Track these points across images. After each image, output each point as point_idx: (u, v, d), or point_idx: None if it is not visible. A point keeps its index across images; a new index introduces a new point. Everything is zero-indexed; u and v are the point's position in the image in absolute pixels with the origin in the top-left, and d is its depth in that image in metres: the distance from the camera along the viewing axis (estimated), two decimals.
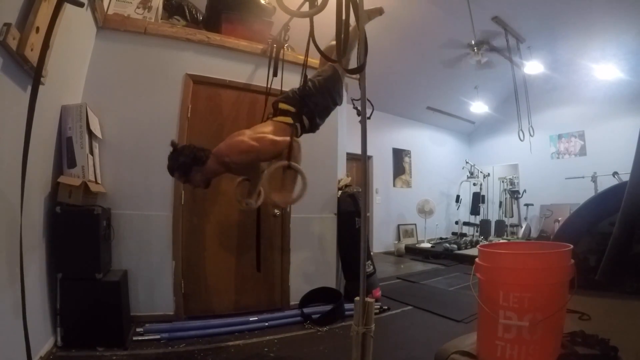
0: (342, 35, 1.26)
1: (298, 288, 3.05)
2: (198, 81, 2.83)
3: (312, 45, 1.55)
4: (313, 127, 2.15)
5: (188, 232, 2.72)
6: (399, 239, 7.41)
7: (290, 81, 2.73)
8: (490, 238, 7.43)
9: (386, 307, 3.10)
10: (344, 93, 3.22)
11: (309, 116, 2.07)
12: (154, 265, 2.59)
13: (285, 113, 2.01)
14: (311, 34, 1.51)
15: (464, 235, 7.76)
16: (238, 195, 2.23)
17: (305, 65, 2.20)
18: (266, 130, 1.93)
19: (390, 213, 7.50)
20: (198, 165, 1.84)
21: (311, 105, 2.07)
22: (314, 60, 2.85)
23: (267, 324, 2.61)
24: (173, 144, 1.89)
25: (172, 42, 2.76)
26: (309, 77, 2.13)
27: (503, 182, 8.05)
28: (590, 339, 1.07)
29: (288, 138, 1.91)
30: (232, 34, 2.98)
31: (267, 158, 1.94)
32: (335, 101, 2.21)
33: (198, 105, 2.83)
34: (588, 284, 1.44)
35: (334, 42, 1.53)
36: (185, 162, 1.82)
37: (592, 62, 5.93)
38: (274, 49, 2.82)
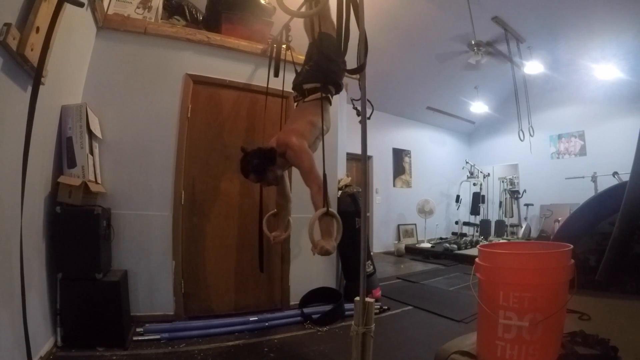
0: (343, 36, 1.26)
1: (298, 288, 3.04)
2: (198, 81, 2.83)
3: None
4: (338, 89, 2.29)
5: (188, 232, 2.72)
6: (399, 239, 7.41)
7: (290, 81, 2.73)
8: (490, 238, 7.43)
9: (386, 307, 3.10)
10: (344, 93, 3.22)
11: (333, 82, 2.19)
12: (154, 265, 2.59)
13: (313, 91, 2.14)
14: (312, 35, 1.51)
15: (464, 235, 7.76)
16: (266, 230, 2.39)
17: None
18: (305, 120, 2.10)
19: (390, 213, 7.50)
20: (271, 164, 1.99)
21: (331, 74, 2.17)
22: None
23: (267, 324, 2.61)
24: (243, 149, 2.04)
25: (172, 42, 2.76)
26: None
27: (503, 182, 8.05)
28: (590, 339, 1.07)
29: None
30: (232, 34, 2.98)
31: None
32: (342, 55, 2.30)
33: (198, 105, 2.83)
34: (588, 284, 1.44)
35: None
36: (259, 163, 1.97)
37: (592, 62, 5.93)
38: (274, 49, 2.82)
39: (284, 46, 2.80)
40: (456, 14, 4.97)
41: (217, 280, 2.81)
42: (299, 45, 2.84)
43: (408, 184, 8.01)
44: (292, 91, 2.33)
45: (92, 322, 2.08)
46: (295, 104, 2.33)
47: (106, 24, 2.54)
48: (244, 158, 2.02)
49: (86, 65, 2.47)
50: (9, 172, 1.45)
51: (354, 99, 3.41)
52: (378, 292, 3.40)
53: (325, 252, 1.76)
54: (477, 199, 7.87)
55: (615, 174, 5.53)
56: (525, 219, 7.46)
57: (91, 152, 2.26)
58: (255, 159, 1.97)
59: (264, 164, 1.98)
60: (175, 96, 2.75)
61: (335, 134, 3.38)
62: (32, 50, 1.48)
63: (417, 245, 7.10)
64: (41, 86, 1.50)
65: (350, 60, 1.38)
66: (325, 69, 2.14)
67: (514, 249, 1.53)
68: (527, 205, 7.39)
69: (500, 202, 8.03)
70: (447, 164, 8.68)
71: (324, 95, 2.13)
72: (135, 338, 2.25)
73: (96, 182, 2.33)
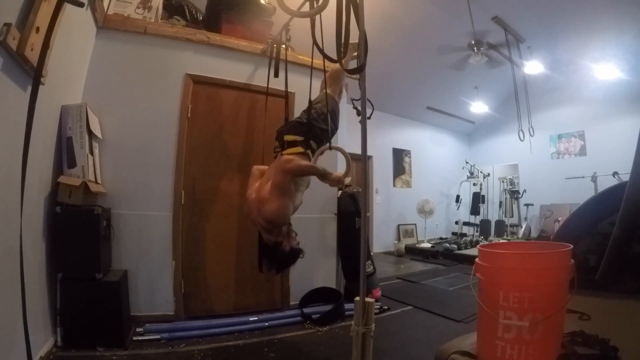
0: (343, 36, 1.26)
1: (298, 288, 3.04)
2: (198, 81, 2.83)
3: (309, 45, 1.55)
4: (319, 147, 2.20)
5: (188, 232, 2.72)
6: (399, 239, 7.41)
7: (291, 81, 2.73)
8: (490, 238, 7.43)
9: (386, 307, 3.10)
10: (345, 93, 3.22)
11: (316, 139, 2.12)
12: (154, 265, 2.59)
13: (293, 144, 2.05)
14: (312, 35, 1.51)
15: (464, 235, 7.76)
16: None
17: (312, 67, 2.22)
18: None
19: (390, 213, 7.50)
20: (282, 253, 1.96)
21: (317, 130, 2.12)
22: (317, 61, 2.83)
23: (267, 324, 2.61)
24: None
25: (172, 42, 2.76)
26: (311, 103, 2.19)
27: (503, 182, 8.05)
28: (590, 339, 1.07)
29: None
30: (232, 34, 2.98)
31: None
32: (336, 125, 2.32)
33: (198, 105, 2.83)
34: (588, 284, 1.44)
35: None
36: (282, 259, 1.98)
37: (592, 62, 5.93)
38: (274, 49, 2.82)
39: (283, 46, 2.80)
40: (456, 14, 4.97)
41: (217, 280, 2.81)
42: (299, 45, 2.84)
43: (408, 184, 8.01)
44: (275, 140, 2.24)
45: (92, 322, 2.08)
46: (275, 155, 2.18)
47: (106, 24, 2.54)
48: (266, 255, 2.02)
49: (86, 65, 2.47)
50: (8, 172, 1.45)
51: (354, 99, 3.42)
52: (378, 292, 3.40)
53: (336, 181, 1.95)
54: (477, 199, 7.87)
55: (615, 174, 5.53)
56: (525, 219, 7.45)
57: (91, 152, 2.26)
58: (280, 256, 1.97)
59: (285, 256, 1.98)
60: (175, 96, 2.75)
61: (335, 134, 3.37)
62: (32, 50, 1.48)
63: (417, 245, 7.09)
64: (41, 86, 1.50)
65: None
66: (313, 125, 2.08)
67: (514, 249, 1.53)
68: (527, 205, 7.39)
69: (500, 202, 8.03)
70: (447, 164, 8.68)
71: (302, 151, 2.02)
72: (135, 338, 2.25)
73: (96, 182, 2.33)
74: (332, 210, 3.27)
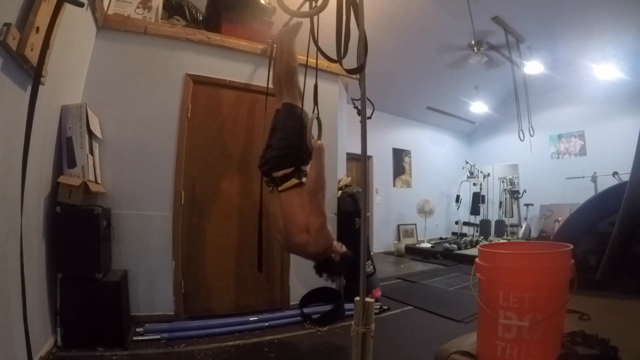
0: (343, 36, 1.26)
1: (298, 288, 3.04)
2: (198, 81, 2.83)
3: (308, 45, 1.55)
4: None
5: (188, 232, 2.72)
6: (399, 239, 7.41)
7: None
8: (490, 238, 7.43)
9: (386, 307, 3.10)
10: (345, 93, 3.22)
11: (303, 162, 2.10)
12: (154, 265, 2.59)
13: (284, 178, 2.04)
14: (312, 34, 1.51)
15: (464, 235, 7.76)
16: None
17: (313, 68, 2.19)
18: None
19: (390, 213, 7.50)
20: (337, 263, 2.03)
21: (302, 154, 2.08)
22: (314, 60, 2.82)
23: (267, 324, 2.61)
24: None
25: (172, 42, 2.76)
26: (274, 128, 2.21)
27: (503, 182, 8.05)
28: (590, 339, 1.07)
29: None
30: (232, 34, 2.98)
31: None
32: (307, 138, 2.16)
33: (198, 105, 2.83)
34: (588, 284, 1.44)
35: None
36: (338, 267, 2.05)
37: (592, 62, 5.93)
38: (274, 49, 2.82)
39: None
40: (456, 14, 4.97)
41: (217, 280, 2.81)
42: (299, 45, 2.84)
43: (408, 184, 8.01)
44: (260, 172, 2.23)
45: (92, 322, 2.08)
46: (269, 188, 2.18)
47: (106, 24, 2.54)
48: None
49: (86, 65, 2.47)
50: (8, 172, 1.45)
51: (354, 99, 3.42)
52: (378, 292, 3.40)
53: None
54: (477, 199, 7.87)
55: (615, 174, 5.52)
56: (525, 219, 7.45)
57: (91, 152, 2.26)
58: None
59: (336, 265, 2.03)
60: (175, 96, 2.75)
61: (335, 134, 3.38)
62: (32, 50, 1.48)
63: (417, 245, 7.10)
64: (41, 86, 1.50)
65: (351, 60, 1.38)
66: (294, 147, 2.04)
67: (514, 249, 1.53)
68: (527, 205, 7.39)
69: (500, 202, 8.03)
70: (447, 164, 8.68)
71: (297, 182, 2.02)
72: (135, 338, 2.25)
73: (96, 182, 2.33)
74: (332, 210, 3.27)
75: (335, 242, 2.05)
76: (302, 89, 2.21)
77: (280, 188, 2.05)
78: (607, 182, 5.29)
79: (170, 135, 2.71)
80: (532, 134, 5.70)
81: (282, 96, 2.23)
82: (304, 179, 2.06)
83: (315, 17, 1.47)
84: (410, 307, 3.19)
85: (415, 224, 7.74)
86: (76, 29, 2.16)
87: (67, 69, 2.15)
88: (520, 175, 7.90)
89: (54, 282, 2.02)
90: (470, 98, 7.53)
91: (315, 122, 2.07)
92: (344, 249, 2.06)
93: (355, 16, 1.26)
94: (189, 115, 2.77)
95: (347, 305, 2.84)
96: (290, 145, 2.06)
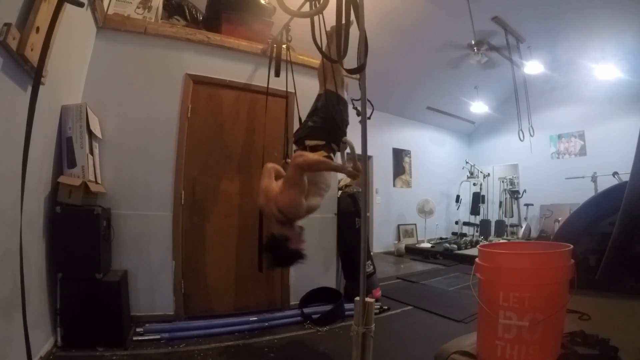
0: (343, 36, 1.26)
1: (298, 288, 3.04)
2: (198, 81, 2.83)
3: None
4: (339, 148, 2.22)
5: (188, 232, 2.72)
6: (399, 239, 7.41)
7: (291, 81, 2.73)
8: (490, 238, 7.43)
9: (386, 307, 3.10)
10: (345, 93, 3.22)
11: (336, 142, 2.14)
12: (154, 265, 2.59)
13: (315, 148, 2.08)
14: (312, 35, 1.51)
15: (464, 235, 7.76)
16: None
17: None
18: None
19: (390, 213, 7.50)
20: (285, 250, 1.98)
21: (338, 132, 2.15)
22: (315, 60, 2.84)
23: (267, 324, 2.61)
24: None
25: (172, 42, 2.76)
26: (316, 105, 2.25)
27: (503, 182, 8.05)
28: (590, 339, 1.07)
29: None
30: (232, 34, 2.98)
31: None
32: (347, 121, 2.31)
33: (198, 105, 2.83)
34: (588, 284, 1.44)
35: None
36: (283, 256, 2.01)
37: (592, 62, 5.93)
38: (274, 49, 2.82)
39: (284, 46, 2.80)
40: (456, 14, 4.97)
41: (217, 280, 2.80)
42: (299, 45, 2.84)
43: (408, 184, 8.01)
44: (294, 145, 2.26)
45: (92, 322, 2.08)
46: (283, 161, 2.32)
47: (106, 24, 2.54)
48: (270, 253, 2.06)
49: (86, 65, 2.47)
50: (8, 172, 1.45)
51: (354, 99, 3.42)
52: (378, 292, 3.40)
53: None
54: (477, 199, 7.87)
55: (615, 174, 5.53)
56: (525, 219, 7.46)
57: (91, 152, 2.26)
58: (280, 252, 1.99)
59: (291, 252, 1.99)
60: (175, 96, 2.75)
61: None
62: (32, 50, 1.48)
63: (417, 245, 7.10)
64: (41, 86, 1.50)
65: (351, 60, 1.38)
66: (330, 126, 2.12)
67: (514, 249, 1.53)
68: (527, 205, 7.39)
69: (500, 202, 8.03)
70: (447, 164, 8.69)
71: (325, 155, 2.06)
72: (135, 338, 2.25)
73: (96, 182, 2.33)
74: (332, 210, 3.27)
75: (300, 234, 2.03)
76: (343, 78, 2.32)
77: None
78: (607, 182, 5.29)
79: (170, 135, 2.71)
80: (532, 134, 5.70)
81: (325, 83, 2.28)
82: (331, 155, 2.13)
83: (315, 17, 1.48)
84: (410, 307, 3.19)
85: (415, 224, 7.74)
86: (76, 29, 2.16)
87: (67, 69, 2.15)
88: (520, 175, 7.90)
89: (54, 282, 2.02)
90: (470, 98, 7.53)
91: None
92: (302, 250, 2.03)
93: (356, 16, 1.26)
94: (189, 115, 2.77)
95: (347, 305, 2.84)
96: (328, 124, 2.14)
